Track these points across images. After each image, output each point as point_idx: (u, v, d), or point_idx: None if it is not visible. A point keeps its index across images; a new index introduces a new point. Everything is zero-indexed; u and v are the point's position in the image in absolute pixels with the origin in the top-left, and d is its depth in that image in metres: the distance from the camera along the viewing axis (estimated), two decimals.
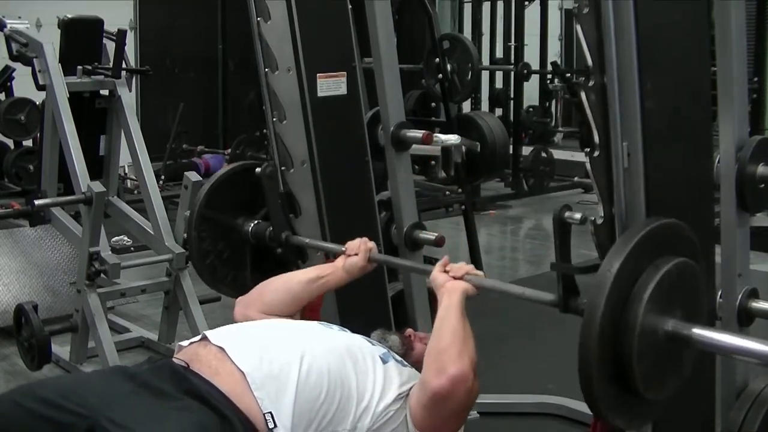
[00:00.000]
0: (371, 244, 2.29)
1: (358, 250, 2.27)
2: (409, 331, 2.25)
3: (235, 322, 2.16)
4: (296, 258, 2.57)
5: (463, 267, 2.04)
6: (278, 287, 2.26)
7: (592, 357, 1.55)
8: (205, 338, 1.90)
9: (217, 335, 1.90)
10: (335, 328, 2.09)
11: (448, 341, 1.84)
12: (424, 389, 1.82)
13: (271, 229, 2.57)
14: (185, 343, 1.96)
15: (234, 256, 2.68)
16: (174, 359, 1.86)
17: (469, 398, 1.83)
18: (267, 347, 1.86)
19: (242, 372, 1.78)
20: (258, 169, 2.53)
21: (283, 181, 2.59)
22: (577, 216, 1.76)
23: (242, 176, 2.64)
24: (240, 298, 2.29)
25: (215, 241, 2.66)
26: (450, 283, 1.99)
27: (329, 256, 2.41)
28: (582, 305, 1.75)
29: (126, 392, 1.72)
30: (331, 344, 1.94)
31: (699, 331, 1.60)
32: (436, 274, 2.04)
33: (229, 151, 7.46)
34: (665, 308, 1.61)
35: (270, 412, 1.74)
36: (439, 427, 1.85)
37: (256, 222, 2.64)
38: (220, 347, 1.84)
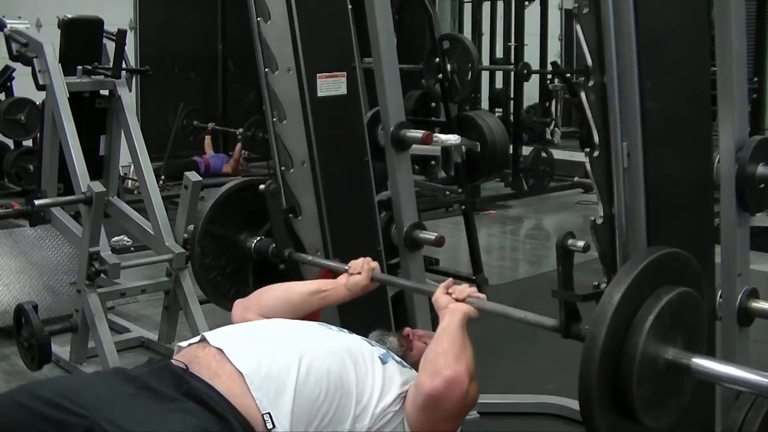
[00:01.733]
0: (374, 264, 2.30)
1: (362, 269, 2.28)
2: (407, 330, 2.25)
3: (232, 323, 2.17)
4: (299, 275, 2.58)
5: (466, 289, 2.05)
6: (278, 295, 2.27)
7: (592, 385, 1.58)
8: (203, 340, 1.90)
9: (215, 337, 1.90)
10: (335, 328, 2.09)
11: (446, 346, 1.86)
12: (418, 390, 1.82)
13: (274, 246, 2.57)
14: (184, 344, 1.95)
15: (236, 271, 2.67)
16: (173, 361, 1.86)
17: (465, 402, 1.83)
18: (266, 348, 1.86)
19: (241, 373, 1.78)
20: (262, 186, 2.53)
21: (284, 189, 2.61)
22: (580, 244, 1.79)
23: (246, 192, 2.64)
24: (238, 300, 2.29)
25: (218, 257, 2.65)
26: (453, 305, 2.01)
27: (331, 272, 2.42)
28: (583, 331, 1.77)
29: (125, 394, 1.72)
30: (330, 345, 1.94)
31: (699, 361, 1.63)
32: (439, 296, 2.06)
33: (232, 151, 7.49)
34: (666, 337, 1.64)
35: (269, 413, 1.74)
36: (434, 430, 1.85)
37: (259, 239, 2.63)
38: (219, 349, 1.84)
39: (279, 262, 2.57)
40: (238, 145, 7.69)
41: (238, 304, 2.27)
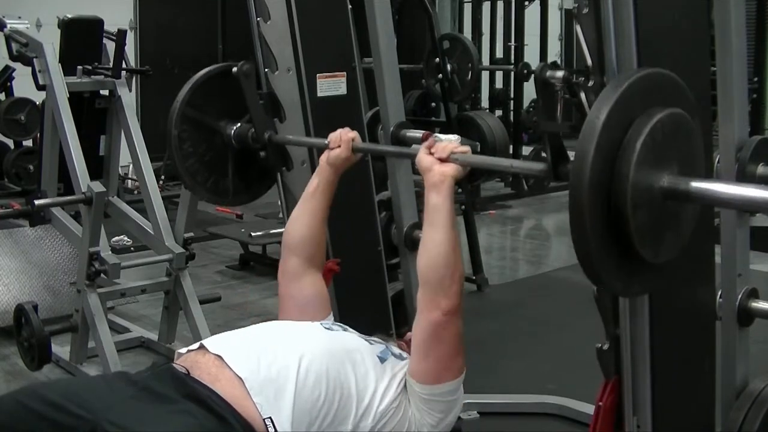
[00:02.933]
0: (353, 134, 2.27)
1: (340, 142, 2.25)
2: (409, 335, 2.24)
3: (282, 293, 2.24)
4: (280, 162, 2.54)
5: (448, 146, 1.98)
6: (296, 215, 2.28)
7: (584, 210, 1.43)
8: (202, 347, 1.90)
9: (214, 343, 1.90)
10: (335, 328, 2.09)
11: (440, 273, 1.90)
12: (420, 324, 1.91)
13: (254, 130, 2.52)
14: (183, 350, 1.95)
15: (216, 160, 2.63)
16: (175, 365, 1.86)
17: (459, 324, 1.92)
18: (264, 351, 1.86)
19: (240, 378, 1.78)
20: (234, 69, 2.46)
21: (267, 84, 2.54)
22: (559, 74, 1.72)
23: (226, 79, 2.56)
24: (279, 273, 2.29)
25: (197, 143, 2.60)
26: (437, 167, 1.95)
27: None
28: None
29: (128, 396, 1.73)
30: (329, 346, 1.94)
31: (697, 184, 1.47)
32: (422, 156, 2.00)
33: None
34: (660, 161, 1.49)
35: (270, 417, 1.74)
36: (439, 353, 1.91)
37: (238, 125, 2.59)
38: (218, 355, 1.84)
39: (260, 148, 2.53)
40: None
41: (281, 269, 2.27)
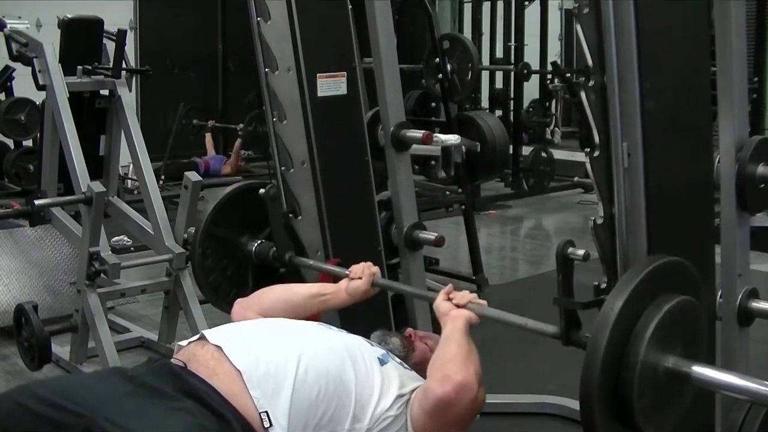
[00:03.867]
0: (375, 269, 2.30)
1: (362, 275, 2.28)
2: (409, 330, 2.25)
3: (232, 322, 2.17)
4: (299, 279, 2.59)
5: (466, 296, 2.06)
6: (279, 296, 2.27)
7: (593, 397, 1.60)
8: (203, 338, 1.90)
9: (214, 334, 1.91)
10: (335, 328, 2.09)
11: (453, 351, 1.87)
12: (427, 396, 1.82)
13: (275, 249, 2.57)
14: (184, 343, 1.96)
15: (237, 274, 2.68)
16: (172, 360, 1.86)
17: (473, 408, 1.84)
18: (265, 346, 1.87)
19: (239, 371, 1.78)
20: (262, 191, 2.53)
21: (284, 190, 2.61)
22: (580, 252, 1.79)
23: (248, 195, 2.64)
24: (239, 299, 2.30)
25: (219, 259, 2.66)
26: (454, 311, 2.02)
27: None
28: (584, 338, 1.78)
29: (124, 393, 1.73)
30: (329, 344, 1.94)
31: (699, 369, 1.65)
32: (440, 302, 2.06)
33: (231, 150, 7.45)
34: (666, 345, 1.66)
35: (266, 411, 1.74)
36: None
37: (259, 242, 2.64)
38: (218, 346, 1.84)
39: (279, 266, 2.57)
40: (238, 141, 7.68)
41: (239, 303, 2.28)
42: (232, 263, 2.67)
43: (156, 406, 1.69)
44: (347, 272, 2.32)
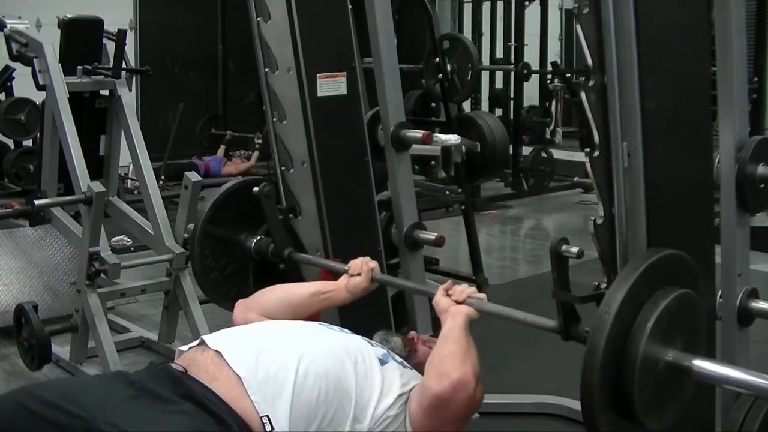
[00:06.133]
0: (374, 264, 2.30)
1: (361, 271, 2.28)
2: (412, 333, 2.25)
3: (234, 324, 2.17)
4: (298, 274, 2.59)
5: (466, 290, 2.05)
6: (279, 296, 2.27)
7: (594, 394, 1.60)
8: (202, 342, 1.90)
9: (214, 339, 1.90)
10: (336, 328, 2.09)
11: (451, 349, 1.87)
12: (425, 393, 1.82)
13: (273, 245, 2.57)
14: (184, 348, 1.95)
15: (237, 272, 2.67)
16: (172, 365, 1.86)
17: (470, 405, 1.83)
18: (264, 350, 1.86)
19: (239, 376, 1.78)
20: (255, 189, 2.52)
21: (284, 189, 2.61)
22: (574, 250, 1.80)
23: (244, 192, 2.63)
24: (240, 301, 2.30)
25: (218, 257, 2.65)
26: (453, 307, 2.01)
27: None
28: (584, 332, 1.78)
29: (125, 397, 1.73)
30: (329, 346, 1.94)
31: (699, 363, 1.65)
32: (439, 298, 2.06)
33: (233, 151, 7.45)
34: (665, 340, 1.66)
35: (267, 416, 1.74)
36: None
37: (258, 238, 2.63)
38: (218, 351, 1.84)
39: (279, 262, 2.57)
40: (256, 153, 7.72)
41: (240, 305, 2.28)
42: (232, 261, 2.67)
43: (155, 410, 1.69)
44: (346, 268, 2.32)
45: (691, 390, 1.72)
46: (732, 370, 1.66)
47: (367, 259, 2.31)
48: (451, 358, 1.83)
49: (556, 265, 1.82)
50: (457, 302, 2.02)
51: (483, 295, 2.06)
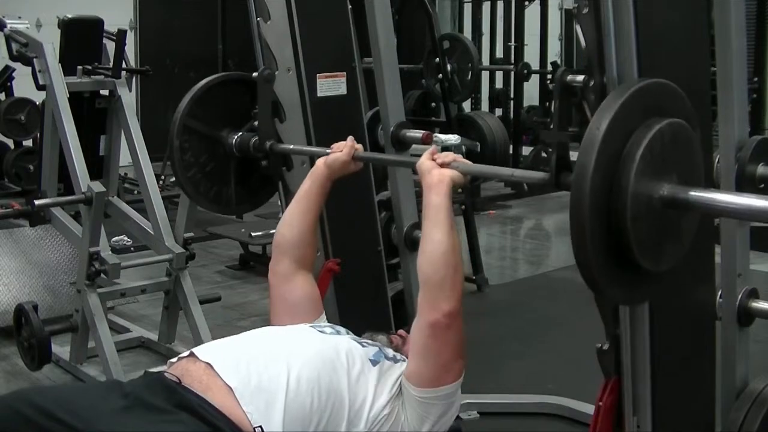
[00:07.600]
0: (358, 146, 2.30)
1: (343, 147, 2.28)
2: (402, 332, 2.23)
3: (273, 294, 2.22)
4: (281, 176, 2.56)
5: (450, 155, 2.00)
6: (287, 218, 2.29)
7: (584, 222, 1.45)
8: (192, 354, 1.88)
9: (204, 351, 1.88)
10: (327, 330, 2.07)
11: (441, 274, 1.88)
12: (420, 327, 1.89)
13: (256, 139, 2.53)
14: (174, 359, 1.94)
15: (217, 170, 2.64)
16: (166, 374, 1.85)
17: (460, 326, 1.90)
18: (254, 359, 1.84)
19: (230, 387, 1.76)
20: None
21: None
22: (580, 78, 1.69)
23: (226, 88, 2.59)
24: (271, 270, 2.28)
25: (198, 154, 2.61)
26: (437, 170, 1.97)
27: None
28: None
29: (119, 407, 1.71)
30: (320, 349, 1.92)
31: (696, 193, 1.49)
32: (424, 161, 2.01)
33: None
34: (660, 171, 1.50)
35: (260, 426, 1.72)
36: (440, 356, 1.89)
37: (240, 134, 2.61)
38: (208, 363, 1.82)
39: (261, 157, 2.54)
40: None
41: (270, 271, 2.27)
42: (212, 159, 2.63)
43: (150, 420, 1.68)
44: (328, 150, 2.31)
45: (690, 229, 1.58)
46: (732, 196, 1.51)
47: (351, 138, 2.31)
48: (442, 287, 1.87)
49: (561, 98, 1.69)
50: (442, 165, 1.98)
51: (468, 161, 2.03)
